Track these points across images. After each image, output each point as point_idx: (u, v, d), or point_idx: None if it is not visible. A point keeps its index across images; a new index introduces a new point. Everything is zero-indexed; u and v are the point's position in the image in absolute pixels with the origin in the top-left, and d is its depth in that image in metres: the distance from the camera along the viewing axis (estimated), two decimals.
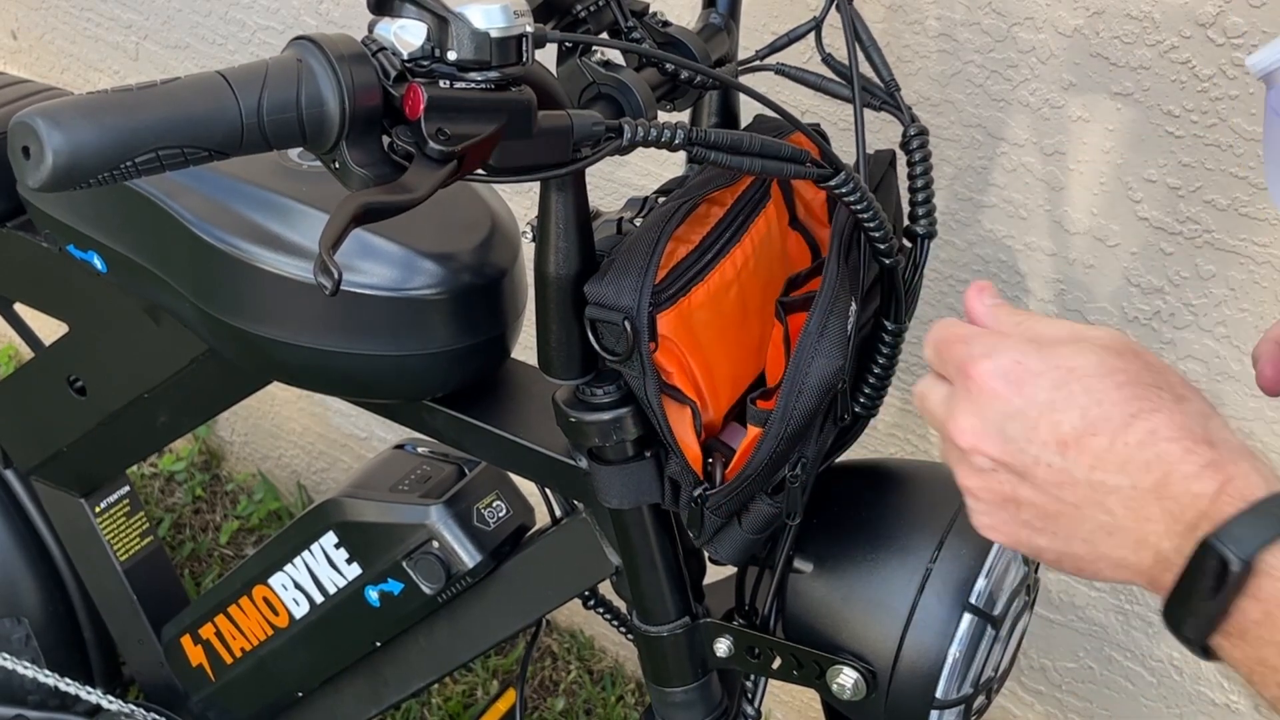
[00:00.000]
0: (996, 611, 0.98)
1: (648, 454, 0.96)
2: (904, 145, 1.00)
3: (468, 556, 1.19)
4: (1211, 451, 0.61)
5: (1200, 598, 0.59)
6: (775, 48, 1.05)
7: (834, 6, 1.00)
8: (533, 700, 2.11)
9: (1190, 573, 0.59)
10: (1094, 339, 0.66)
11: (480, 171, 0.77)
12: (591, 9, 0.94)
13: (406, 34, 0.72)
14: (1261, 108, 1.14)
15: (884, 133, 1.09)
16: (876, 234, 0.93)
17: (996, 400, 0.66)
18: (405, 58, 0.72)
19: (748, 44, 1.08)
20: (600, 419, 0.94)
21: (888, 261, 0.94)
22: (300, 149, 0.91)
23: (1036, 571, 1.07)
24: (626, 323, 0.88)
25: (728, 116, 1.07)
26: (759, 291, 0.98)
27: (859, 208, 0.90)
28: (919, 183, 1.00)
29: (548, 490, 1.15)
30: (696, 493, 0.95)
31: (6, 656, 1.54)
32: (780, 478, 0.94)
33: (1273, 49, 0.78)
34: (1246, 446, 0.63)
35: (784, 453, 0.91)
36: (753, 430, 0.92)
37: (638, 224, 0.94)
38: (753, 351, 0.98)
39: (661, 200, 0.96)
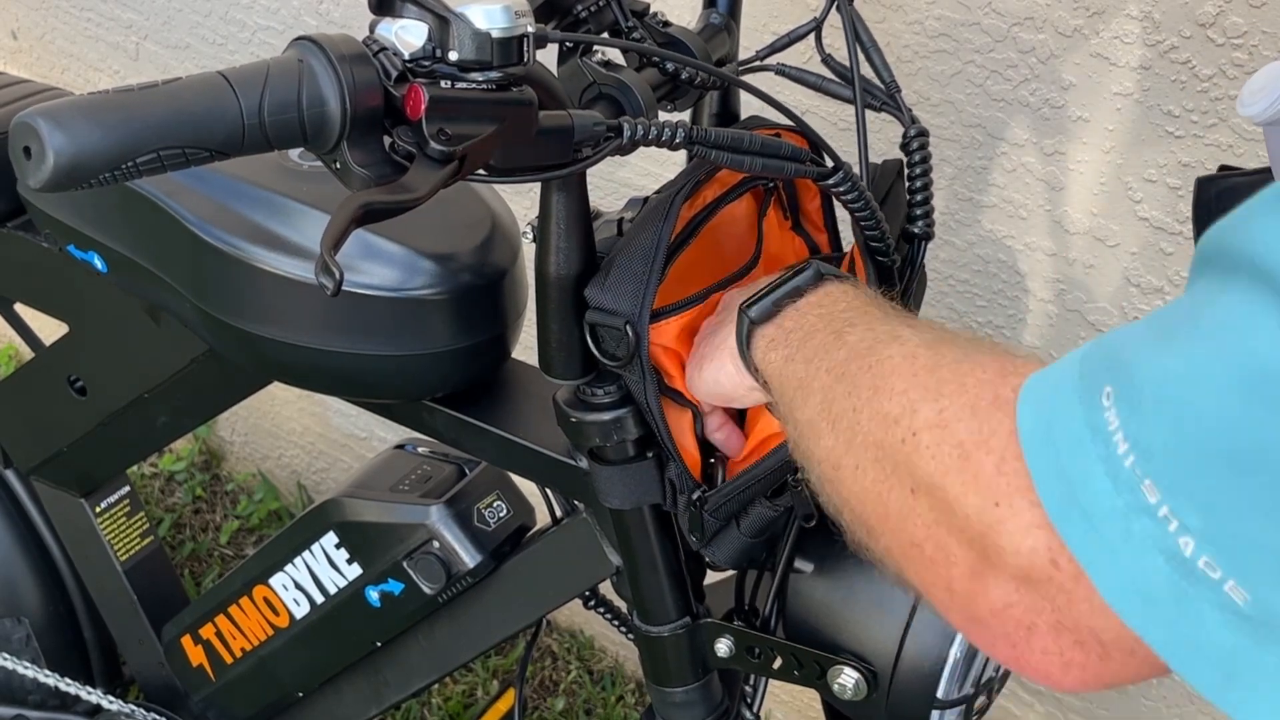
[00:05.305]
0: None
1: (649, 454, 0.96)
2: (904, 146, 1.00)
3: (468, 556, 1.19)
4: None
5: (778, 293, 0.82)
6: (775, 48, 1.05)
7: (834, 7, 1.00)
8: (533, 700, 2.11)
9: (779, 283, 0.83)
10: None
11: (481, 172, 0.77)
12: (592, 9, 0.94)
13: (408, 34, 0.72)
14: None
15: (884, 133, 1.09)
16: (873, 233, 0.93)
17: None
18: (406, 58, 0.72)
19: (748, 44, 1.08)
20: (601, 419, 0.94)
21: (884, 261, 0.94)
22: (301, 149, 0.91)
23: None
24: (628, 327, 0.88)
25: (728, 117, 1.07)
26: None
27: (856, 206, 0.91)
28: (918, 184, 1.00)
29: (548, 490, 1.15)
30: (695, 495, 0.95)
31: (6, 656, 1.54)
32: (781, 480, 0.93)
33: (1268, 96, 0.76)
34: None
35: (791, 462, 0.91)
36: (764, 432, 0.91)
37: None
38: None
39: None
